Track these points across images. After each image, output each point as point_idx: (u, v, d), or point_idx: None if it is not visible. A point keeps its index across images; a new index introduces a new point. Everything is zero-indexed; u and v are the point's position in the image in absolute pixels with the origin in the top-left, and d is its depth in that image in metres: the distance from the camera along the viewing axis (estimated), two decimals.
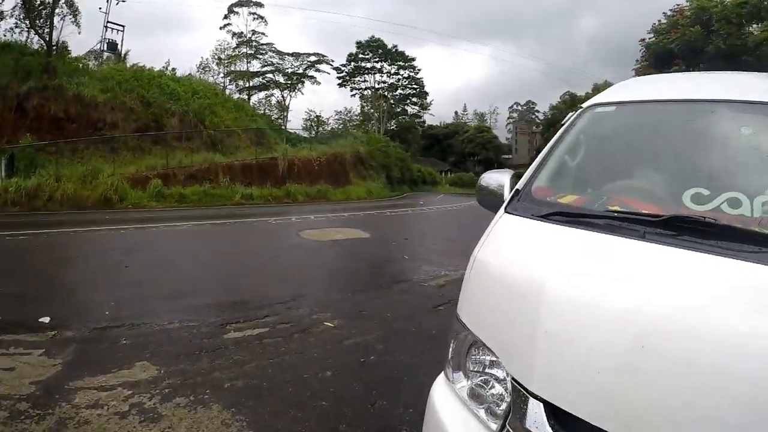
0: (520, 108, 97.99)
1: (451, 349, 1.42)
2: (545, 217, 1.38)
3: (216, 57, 46.88)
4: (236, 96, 41.53)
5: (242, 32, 47.01)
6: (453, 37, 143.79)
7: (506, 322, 1.22)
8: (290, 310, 4.52)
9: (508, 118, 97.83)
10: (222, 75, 46.74)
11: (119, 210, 14.60)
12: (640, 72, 14.16)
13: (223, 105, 27.15)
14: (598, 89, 30.85)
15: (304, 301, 4.82)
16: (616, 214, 1.29)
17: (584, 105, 1.91)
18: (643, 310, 0.97)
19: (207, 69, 45.29)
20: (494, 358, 1.23)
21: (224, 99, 29.98)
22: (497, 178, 1.80)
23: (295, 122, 61.65)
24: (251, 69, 47.70)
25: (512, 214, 1.50)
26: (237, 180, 19.69)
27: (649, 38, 14.01)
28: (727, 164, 1.44)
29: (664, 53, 13.00)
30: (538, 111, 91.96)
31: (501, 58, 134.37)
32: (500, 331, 1.24)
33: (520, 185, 1.63)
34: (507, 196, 1.66)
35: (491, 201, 1.77)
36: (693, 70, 12.25)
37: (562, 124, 1.93)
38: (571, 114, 1.98)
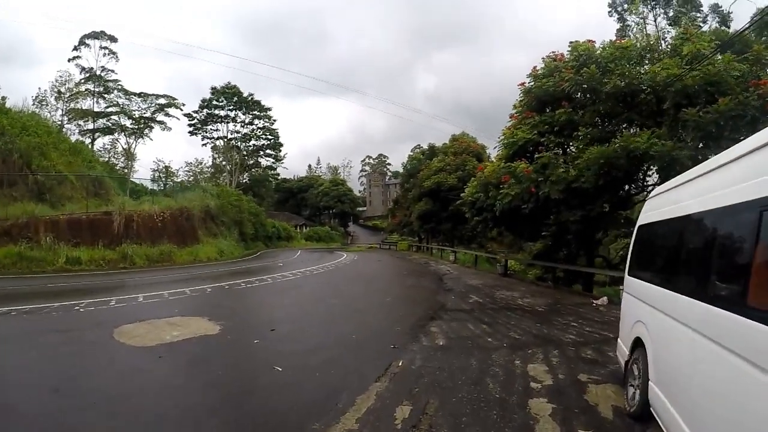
0: (372, 161, 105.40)
1: None
2: None
3: (56, 90, 41.80)
4: (75, 138, 37.56)
5: (92, 67, 43.39)
6: (307, 89, 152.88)
7: None
8: None
9: (361, 171, 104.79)
10: (61, 112, 41.79)
11: None
12: (518, 115, 14.61)
13: (56, 146, 24.71)
14: (456, 139, 36.41)
15: None
16: None
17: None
18: None
19: (44, 103, 40.05)
20: None
21: (58, 139, 27.17)
22: None
23: (143, 173, 56.77)
24: (97, 109, 43.60)
25: None
26: (63, 239, 18.08)
27: (528, 83, 14.19)
28: None
29: (546, 96, 13.33)
30: (390, 164, 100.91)
31: (354, 111, 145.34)
32: None
33: None
34: None
35: None
36: (578, 111, 12.63)
37: None
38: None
